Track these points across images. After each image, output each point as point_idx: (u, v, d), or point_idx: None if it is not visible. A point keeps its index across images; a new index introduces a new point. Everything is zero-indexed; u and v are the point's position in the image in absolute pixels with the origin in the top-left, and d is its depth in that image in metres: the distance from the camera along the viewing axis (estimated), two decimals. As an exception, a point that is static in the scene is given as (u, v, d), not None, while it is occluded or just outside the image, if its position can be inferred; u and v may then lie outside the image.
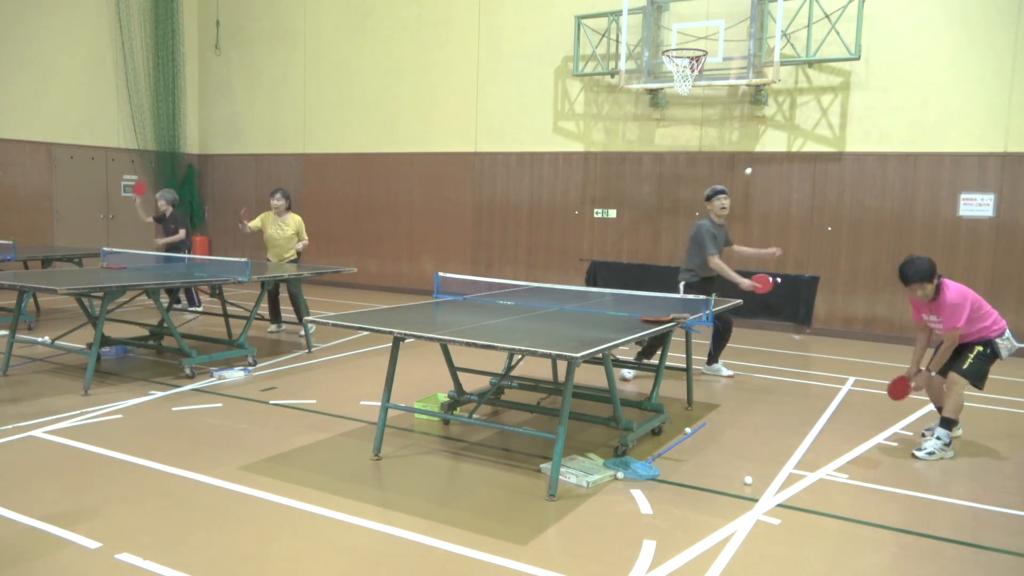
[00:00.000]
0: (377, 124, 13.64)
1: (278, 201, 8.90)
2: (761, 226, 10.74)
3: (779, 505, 4.25)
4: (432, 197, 13.26)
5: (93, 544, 3.49)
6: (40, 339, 7.44)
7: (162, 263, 8.87)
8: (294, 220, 8.98)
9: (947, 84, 9.59)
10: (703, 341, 8.77)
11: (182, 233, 10.03)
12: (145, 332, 8.15)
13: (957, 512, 4.29)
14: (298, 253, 9.12)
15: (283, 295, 9.36)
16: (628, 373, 7.35)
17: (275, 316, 9.30)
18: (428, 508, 4.08)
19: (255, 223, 9.02)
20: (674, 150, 11.23)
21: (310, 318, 5.08)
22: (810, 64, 10.14)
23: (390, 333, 4.53)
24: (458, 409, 5.67)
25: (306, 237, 9.11)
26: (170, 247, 9.97)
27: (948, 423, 5.25)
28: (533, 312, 5.56)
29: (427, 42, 13.04)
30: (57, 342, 7.11)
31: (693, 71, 9.83)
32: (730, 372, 7.60)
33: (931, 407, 5.90)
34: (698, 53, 9.84)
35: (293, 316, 9.18)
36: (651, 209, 11.42)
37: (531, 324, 5.03)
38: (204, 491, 4.16)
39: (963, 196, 9.62)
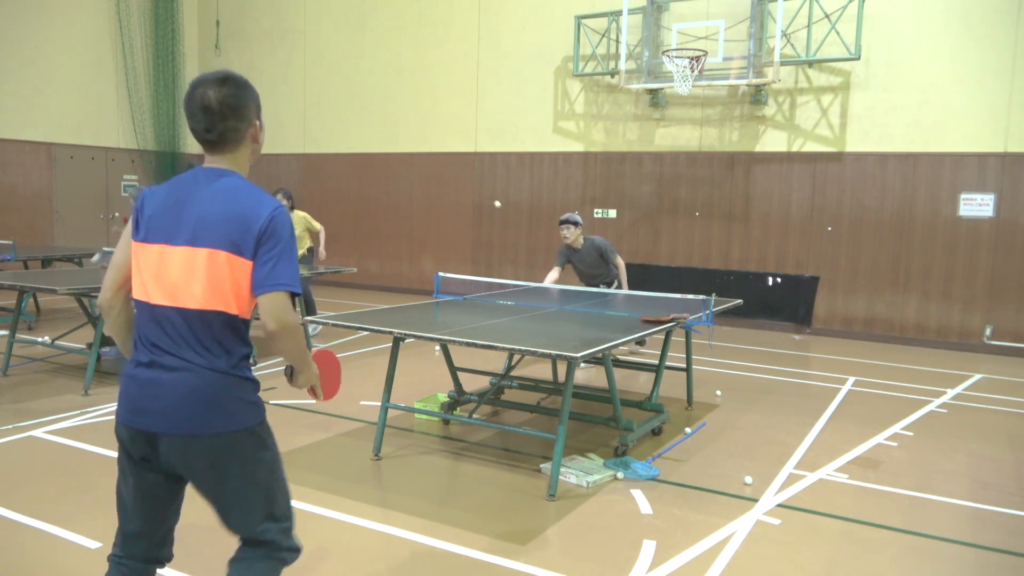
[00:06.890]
0: (377, 124, 13.63)
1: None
2: (761, 226, 10.73)
3: (779, 505, 4.25)
4: (432, 197, 13.25)
5: (93, 544, 3.49)
6: (40, 339, 7.44)
7: None
8: (298, 218, 8.97)
9: (947, 84, 9.58)
10: (702, 341, 8.78)
11: None
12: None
13: (957, 512, 4.29)
14: (311, 252, 9.10)
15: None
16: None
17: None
18: (428, 508, 4.08)
19: None
20: (674, 150, 11.23)
21: (310, 318, 5.10)
22: (810, 64, 10.13)
23: (390, 333, 4.53)
24: (458, 409, 5.67)
25: (317, 226, 9.06)
26: None
27: None
28: (533, 312, 5.56)
29: (427, 42, 13.04)
30: (57, 342, 7.10)
31: (693, 71, 9.83)
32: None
33: (932, 407, 5.91)
34: (698, 53, 9.84)
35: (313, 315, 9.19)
36: (651, 209, 11.42)
37: (531, 324, 5.03)
38: (204, 491, 4.15)
39: (963, 196, 9.62)
